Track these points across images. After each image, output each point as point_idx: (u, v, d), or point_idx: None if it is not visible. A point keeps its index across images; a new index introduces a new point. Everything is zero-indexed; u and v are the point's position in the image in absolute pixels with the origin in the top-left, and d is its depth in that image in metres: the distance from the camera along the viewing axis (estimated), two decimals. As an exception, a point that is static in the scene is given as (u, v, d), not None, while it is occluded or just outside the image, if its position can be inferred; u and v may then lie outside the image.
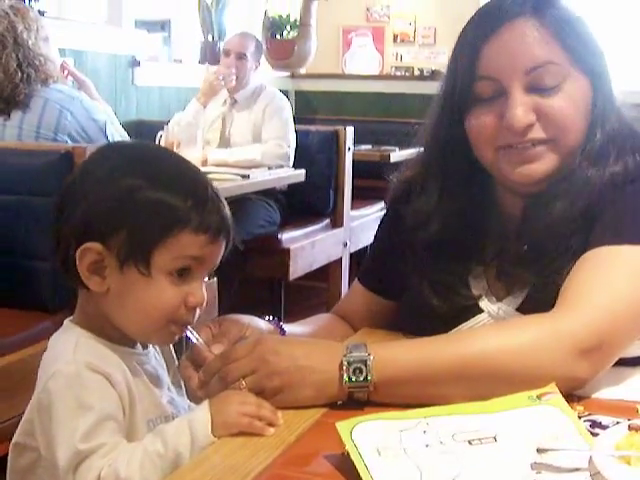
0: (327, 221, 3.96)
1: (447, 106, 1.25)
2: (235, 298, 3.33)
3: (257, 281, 3.89)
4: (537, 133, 1.18)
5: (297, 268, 3.63)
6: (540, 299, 1.16)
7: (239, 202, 3.52)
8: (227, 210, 1.05)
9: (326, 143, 3.94)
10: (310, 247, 3.73)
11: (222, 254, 1.05)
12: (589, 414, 0.99)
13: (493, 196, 1.30)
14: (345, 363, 1.00)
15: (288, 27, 5.39)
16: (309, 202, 3.93)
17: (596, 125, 1.20)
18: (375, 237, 1.45)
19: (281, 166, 3.71)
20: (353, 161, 4.01)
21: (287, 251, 3.57)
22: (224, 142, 3.95)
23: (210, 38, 4.93)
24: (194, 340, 1.07)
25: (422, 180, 1.31)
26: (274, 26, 5.39)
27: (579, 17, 1.22)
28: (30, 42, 2.81)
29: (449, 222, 1.27)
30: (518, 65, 1.17)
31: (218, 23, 4.86)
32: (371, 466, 0.81)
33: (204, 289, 1.05)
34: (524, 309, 1.20)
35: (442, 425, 0.88)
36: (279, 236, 3.63)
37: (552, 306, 1.08)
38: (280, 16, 5.42)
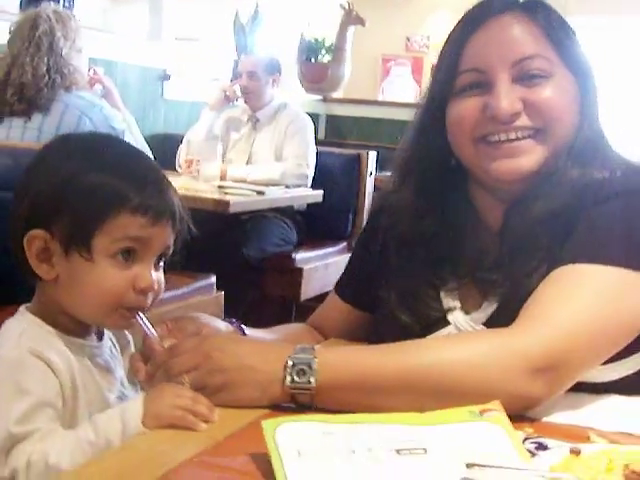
0: (344, 244, 3.94)
1: (430, 102, 1.22)
2: (248, 314, 3.32)
3: (271, 299, 3.87)
4: (524, 121, 1.14)
5: (309, 289, 3.61)
6: (508, 313, 1.11)
7: (255, 219, 3.52)
8: (173, 195, 1.05)
9: (348, 166, 3.93)
10: (324, 269, 3.70)
11: (169, 239, 1.05)
12: (538, 436, 0.95)
13: (472, 205, 1.26)
14: (290, 364, 0.97)
15: (323, 51, 5.42)
16: (328, 224, 3.92)
17: (584, 123, 1.16)
18: (354, 248, 1.44)
19: (299, 186, 3.71)
20: (375, 186, 3.99)
21: (300, 271, 3.56)
22: (247, 160, 3.97)
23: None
24: (147, 331, 1.06)
25: (400, 180, 1.28)
26: (309, 49, 5.42)
27: (567, 23, 1.19)
28: (64, 51, 2.87)
29: (423, 221, 1.23)
30: (505, 56, 1.14)
31: (251, 43, 4.91)
32: (288, 467, 0.79)
33: (153, 273, 1.04)
34: (491, 322, 1.17)
35: (371, 432, 0.85)
36: (293, 256, 3.62)
37: None
38: (316, 39, 5.46)
